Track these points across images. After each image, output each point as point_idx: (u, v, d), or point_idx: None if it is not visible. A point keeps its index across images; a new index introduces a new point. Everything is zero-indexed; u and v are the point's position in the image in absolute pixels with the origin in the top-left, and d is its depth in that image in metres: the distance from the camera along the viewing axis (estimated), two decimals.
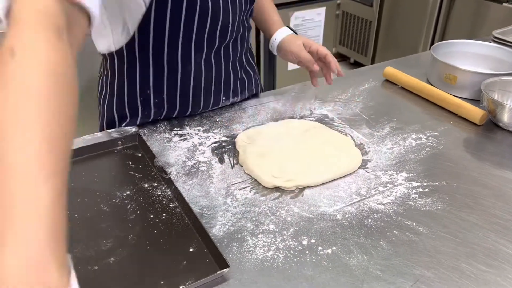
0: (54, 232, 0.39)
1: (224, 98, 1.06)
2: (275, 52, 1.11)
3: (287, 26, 1.12)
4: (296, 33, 1.11)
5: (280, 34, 1.08)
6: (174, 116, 1.01)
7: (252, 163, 0.85)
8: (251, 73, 1.13)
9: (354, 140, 0.95)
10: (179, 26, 0.88)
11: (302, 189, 0.82)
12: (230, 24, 0.95)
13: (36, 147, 0.40)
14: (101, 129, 1.05)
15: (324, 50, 1.04)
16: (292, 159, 0.87)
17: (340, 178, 0.84)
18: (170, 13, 0.85)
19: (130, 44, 0.89)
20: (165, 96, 0.97)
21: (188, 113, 1.02)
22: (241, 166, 0.87)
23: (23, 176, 0.39)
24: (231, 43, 1.00)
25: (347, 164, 0.86)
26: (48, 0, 0.48)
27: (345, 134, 0.97)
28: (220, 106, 1.06)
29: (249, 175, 0.85)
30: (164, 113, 0.99)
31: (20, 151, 0.40)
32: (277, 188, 0.82)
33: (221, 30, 0.94)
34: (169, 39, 0.89)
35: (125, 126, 0.99)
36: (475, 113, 1.02)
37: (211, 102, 1.03)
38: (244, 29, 1.02)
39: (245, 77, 1.10)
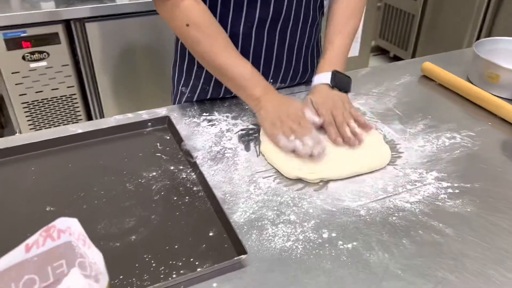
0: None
1: (271, 81, 1.06)
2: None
3: (335, 71, 0.95)
4: (340, 88, 0.95)
5: (318, 79, 0.96)
6: (221, 92, 1.05)
7: (274, 153, 0.84)
8: (309, 67, 1.11)
9: (385, 136, 0.93)
10: None
11: (326, 182, 0.80)
12: (294, 6, 0.95)
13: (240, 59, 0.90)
14: (172, 93, 1.13)
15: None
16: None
17: (367, 173, 0.83)
18: None
19: None
20: None
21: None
22: (264, 155, 0.86)
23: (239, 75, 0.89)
24: (290, 25, 0.98)
25: (375, 159, 0.84)
26: None
27: (376, 129, 0.95)
28: None
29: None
30: (212, 83, 1.03)
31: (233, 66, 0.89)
32: (301, 180, 0.81)
33: (276, 2, 0.93)
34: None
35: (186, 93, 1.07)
36: None
37: None
38: (307, 20, 1.01)
39: (300, 69, 1.09)
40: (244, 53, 0.99)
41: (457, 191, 0.79)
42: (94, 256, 0.42)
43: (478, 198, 0.77)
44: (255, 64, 1.01)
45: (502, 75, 1.08)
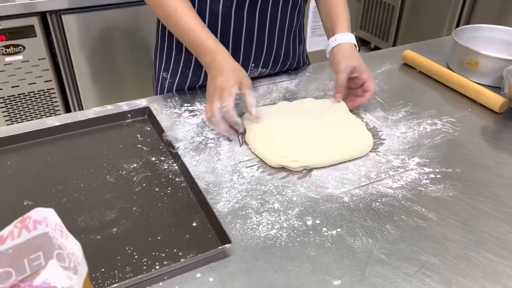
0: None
1: (253, 65, 1.05)
2: (327, 53, 1.00)
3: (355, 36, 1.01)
4: (358, 47, 1.00)
5: (342, 38, 0.97)
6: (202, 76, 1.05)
7: (258, 142, 0.84)
8: (291, 53, 1.11)
9: (367, 123, 0.93)
10: None
11: (310, 169, 0.80)
12: None
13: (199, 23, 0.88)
14: (154, 79, 1.13)
15: (369, 86, 0.94)
16: (300, 139, 0.85)
17: (350, 160, 0.83)
18: None
19: None
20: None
21: None
22: (247, 144, 0.86)
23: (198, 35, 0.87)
24: (269, 7, 0.98)
25: (357, 146, 0.84)
26: None
27: (358, 116, 0.95)
28: (248, 74, 0.94)
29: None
30: (192, 67, 1.03)
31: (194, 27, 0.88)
32: (284, 168, 0.80)
33: None
34: None
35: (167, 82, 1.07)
36: (495, 100, 0.98)
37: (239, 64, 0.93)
38: (287, 2, 1.00)
39: (281, 53, 1.08)
40: (224, 34, 0.98)
41: (438, 176, 0.79)
42: (73, 247, 0.41)
43: (459, 182, 0.78)
44: (236, 45, 1.01)
45: (481, 62, 1.09)
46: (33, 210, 0.40)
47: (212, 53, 0.86)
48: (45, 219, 0.40)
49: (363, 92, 0.95)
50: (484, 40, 1.23)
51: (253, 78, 1.10)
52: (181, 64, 1.04)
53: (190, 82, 1.05)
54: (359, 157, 0.83)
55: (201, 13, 0.95)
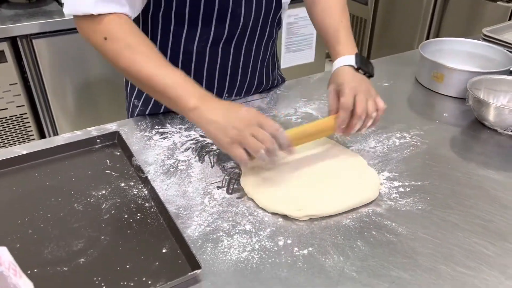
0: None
1: (227, 95, 1.05)
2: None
3: (357, 54, 0.89)
4: (364, 70, 0.88)
5: (341, 61, 0.88)
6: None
7: (252, 185, 0.79)
8: (264, 81, 1.11)
9: (337, 138, 0.93)
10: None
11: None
12: (250, 24, 0.94)
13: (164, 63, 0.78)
14: (126, 104, 1.11)
15: (371, 109, 0.83)
16: (300, 182, 0.79)
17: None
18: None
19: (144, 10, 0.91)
20: None
21: None
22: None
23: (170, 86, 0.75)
24: (244, 43, 0.98)
25: (366, 191, 0.77)
26: None
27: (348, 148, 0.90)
28: None
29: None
30: None
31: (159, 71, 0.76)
32: None
33: (231, 21, 0.91)
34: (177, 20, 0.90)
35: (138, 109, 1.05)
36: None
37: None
38: (262, 37, 1.00)
39: (255, 82, 1.09)
40: (198, 70, 0.98)
41: (408, 189, 0.80)
42: (26, 286, 0.40)
43: (428, 195, 0.79)
44: (210, 80, 1.01)
45: (446, 74, 1.11)
46: None
47: (195, 111, 0.74)
48: None
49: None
50: (450, 53, 1.26)
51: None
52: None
53: (163, 110, 1.04)
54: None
55: (175, 52, 0.95)
